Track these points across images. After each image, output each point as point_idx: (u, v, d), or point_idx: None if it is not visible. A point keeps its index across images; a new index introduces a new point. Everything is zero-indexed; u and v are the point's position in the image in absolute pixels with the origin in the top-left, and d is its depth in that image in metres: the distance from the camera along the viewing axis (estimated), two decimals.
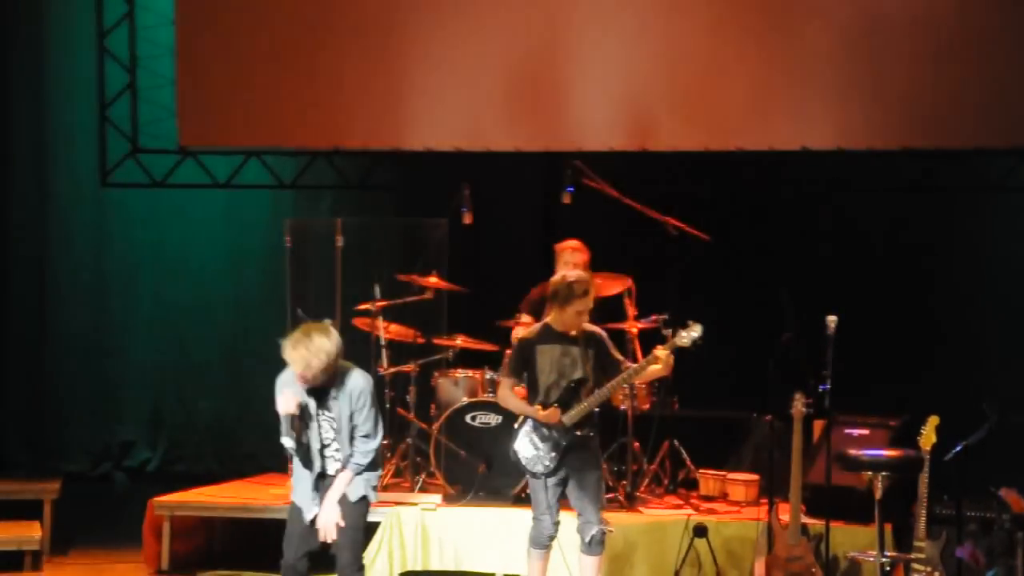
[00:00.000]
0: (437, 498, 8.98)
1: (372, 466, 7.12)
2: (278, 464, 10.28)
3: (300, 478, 7.10)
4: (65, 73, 11.26)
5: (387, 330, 9.67)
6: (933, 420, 7.73)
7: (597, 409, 7.50)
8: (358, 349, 9.79)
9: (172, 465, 11.19)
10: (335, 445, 7.01)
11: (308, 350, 6.78)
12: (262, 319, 10.90)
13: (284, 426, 6.90)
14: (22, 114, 11.29)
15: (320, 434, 7.00)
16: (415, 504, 8.83)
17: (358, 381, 7.01)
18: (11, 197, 11.31)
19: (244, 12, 10.68)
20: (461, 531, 8.66)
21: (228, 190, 11.04)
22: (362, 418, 6.98)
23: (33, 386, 11.21)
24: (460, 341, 9.70)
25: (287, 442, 6.91)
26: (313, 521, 7.02)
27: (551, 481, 7.39)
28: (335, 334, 6.92)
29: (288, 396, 6.88)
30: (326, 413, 6.98)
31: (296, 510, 7.11)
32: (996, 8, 9.75)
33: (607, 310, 9.40)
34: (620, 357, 7.56)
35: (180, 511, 8.98)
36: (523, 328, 9.36)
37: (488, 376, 9.35)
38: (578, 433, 7.36)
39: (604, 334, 7.57)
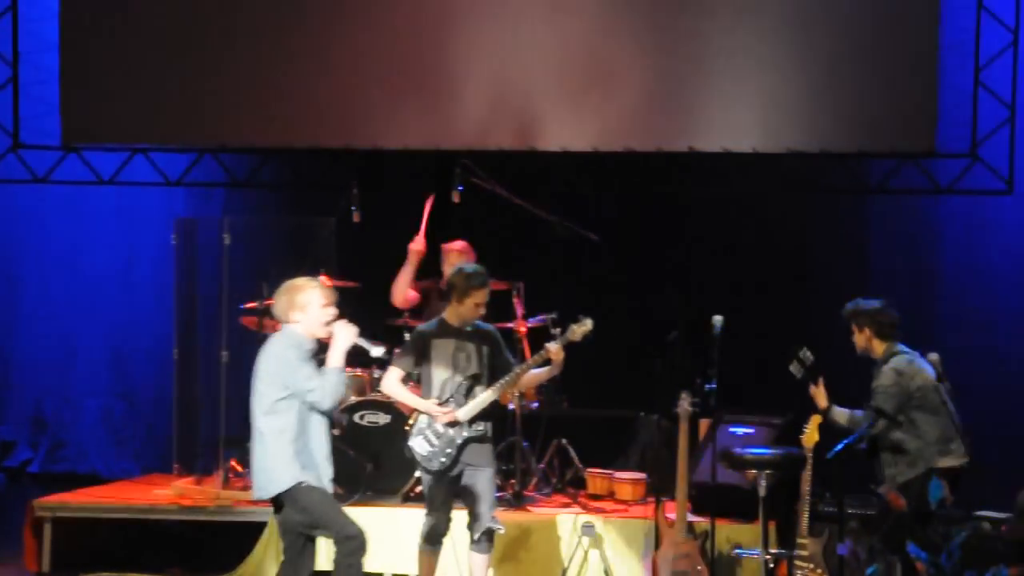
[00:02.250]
0: None
1: None
2: (163, 464, 10.21)
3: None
4: None
5: (274, 329, 9.58)
6: (816, 419, 7.84)
7: (489, 408, 7.51)
8: (246, 348, 9.76)
9: (55, 465, 11.00)
10: None
11: None
12: (150, 316, 10.81)
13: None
14: None
15: None
16: None
17: None
18: None
19: (130, 7, 10.54)
20: None
21: (119, 187, 10.88)
22: None
23: None
24: None
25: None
26: None
27: (445, 478, 7.39)
28: None
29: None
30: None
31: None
32: (878, 21, 9.93)
33: (496, 309, 9.42)
34: (511, 359, 7.59)
35: (62, 512, 8.83)
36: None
37: (376, 375, 9.31)
38: (473, 428, 7.37)
39: (497, 333, 7.60)
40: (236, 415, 9.73)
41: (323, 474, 6.82)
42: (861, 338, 8.04)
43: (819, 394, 7.97)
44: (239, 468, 9.58)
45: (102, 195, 10.96)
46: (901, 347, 7.95)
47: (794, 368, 7.94)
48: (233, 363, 9.72)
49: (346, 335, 6.84)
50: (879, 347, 7.97)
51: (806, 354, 7.94)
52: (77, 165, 10.73)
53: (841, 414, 7.93)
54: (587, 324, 7.45)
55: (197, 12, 10.47)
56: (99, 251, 11.10)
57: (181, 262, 10.23)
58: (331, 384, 6.73)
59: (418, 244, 9.45)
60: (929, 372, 7.79)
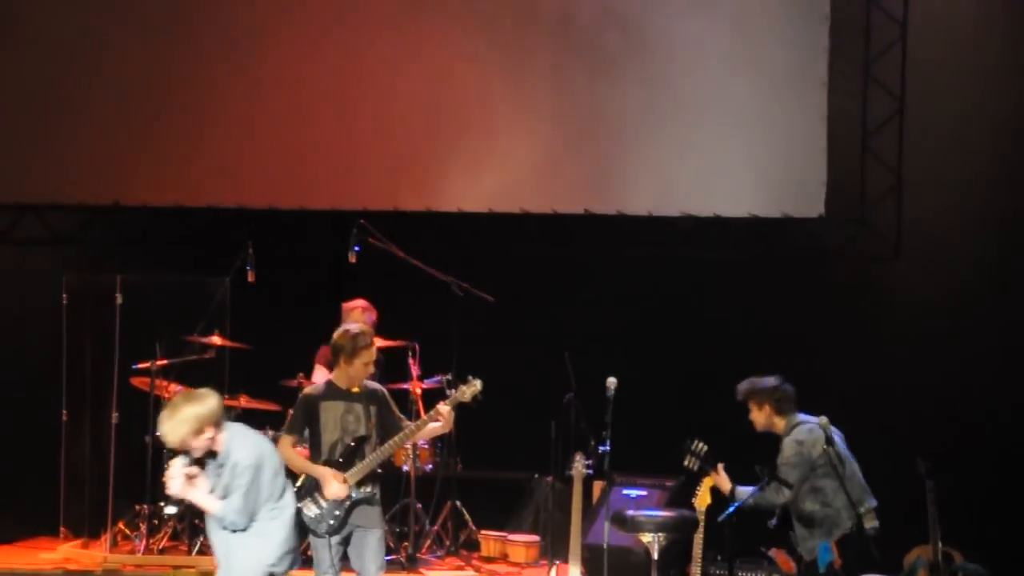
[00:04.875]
0: (215, 560, 8.82)
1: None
2: (50, 528, 10.01)
3: None
4: None
5: (167, 390, 9.52)
6: (708, 481, 7.90)
7: (380, 468, 7.48)
8: (137, 409, 9.64)
9: None
10: None
11: (172, 421, 6.56)
12: (40, 376, 10.60)
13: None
14: None
15: None
16: (192, 567, 8.67)
17: (237, 452, 6.67)
18: None
19: (21, 65, 10.46)
20: None
21: (9, 245, 10.72)
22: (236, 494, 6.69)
23: None
24: (242, 400, 9.60)
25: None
26: None
27: (334, 540, 7.33)
28: (204, 400, 6.65)
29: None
30: (215, 482, 6.70)
31: None
32: (769, 87, 10.11)
33: (391, 369, 9.42)
34: (401, 416, 7.58)
35: None
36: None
37: (270, 435, 9.23)
38: (362, 490, 7.33)
39: (386, 392, 7.58)
40: (125, 477, 9.62)
41: None
42: (761, 416, 8.05)
43: (720, 480, 7.96)
44: (128, 531, 9.44)
45: None
46: (801, 416, 7.99)
47: (689, 462, 7.94)
48: (123, 424, 9.59)
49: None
50: (780, 422, 8.00)
51: (698, 446, 7.96)
52: None
53: (744, 493, 7.92)
54: (476, 385, 7.50)
55: (89, 70, 10.42)
56: None
57: (71, 321, 10.08)
58: None
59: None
60: (834, 439, 7.83)
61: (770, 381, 8.05)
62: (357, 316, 9.19)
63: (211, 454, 6.67)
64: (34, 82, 10.44)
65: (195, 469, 6.64)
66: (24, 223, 10.64)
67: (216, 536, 6.82)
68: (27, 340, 10.87)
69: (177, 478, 6.59)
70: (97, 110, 10.39)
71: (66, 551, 9.30)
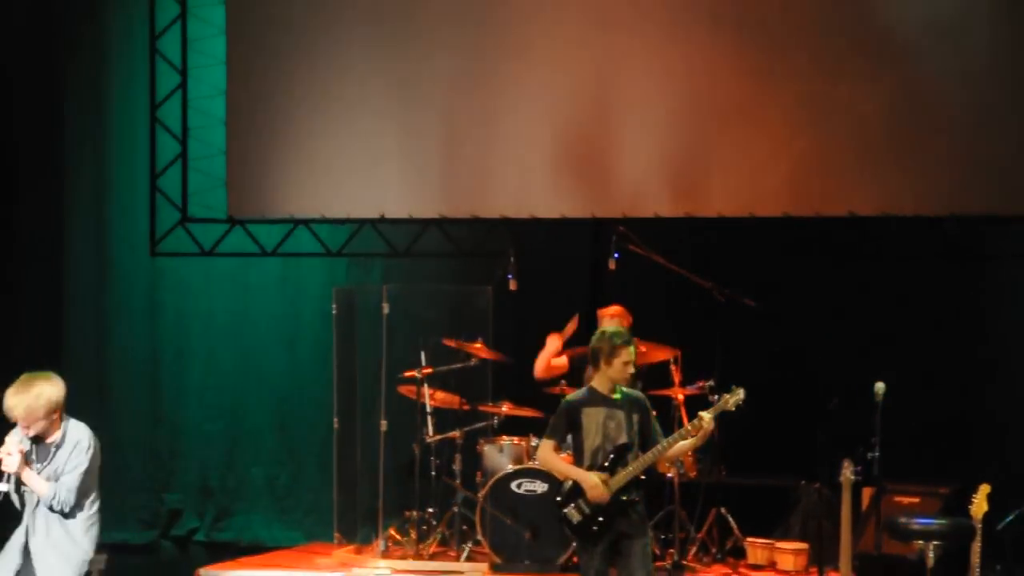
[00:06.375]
0: (484, 567, 8.95)
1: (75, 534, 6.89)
2: (326, 533, 10.30)
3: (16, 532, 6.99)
4: (123, 145, 11.39)
5: (432, 397, 9.69)
6: (984, 488, 7.62)
7: (643, 476, 7.44)
8: (403, 416, 9.86)
9: (220, 534, 11.13)
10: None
11: (28, 395, 6.74)
12: (313, 385, 10.94)
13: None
14: (81, 186, 11.43)
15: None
16: (461, 573, 8.80)
17: (77, 434, 6.88)
18: (70, 267, 11.42)
19: (292, 84, 10.79)
20: None
21: (282, 258, 11.10)
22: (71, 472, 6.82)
23: None
24: (505, 408, 9.70)
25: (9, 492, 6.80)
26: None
27: (599, 547, 7.34)
28: (59, 382, 6.84)
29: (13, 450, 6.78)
30: (42, 465, 6.84)
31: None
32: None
33: (653, 376, 9.40)
34: (659, 429, 7.50)
35: None
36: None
37: (534, 443, 9.33)
38: (624, 498, 7.31)
39: (648, 402, 7.54)
40: (395, 484, 9.84)
41: None
42: None
43: None
44: (398, 537, 9.64)
45: (264, 266, 11.18)
46: None
47: None
48: (392, 431, 9.81)
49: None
50: None
51: None
52: (242, 237, 10.98)
53: None
54: (739, 394, 7.39)
55: (356, 89, 10.67)
56: (263, 321, 11.28)
57: (341, 331, 10.37)
58: None
59: (556, 341, 9.60)
60: None
61: None
62: (609, 323, 9.20)
63: (37, 438, 6.80)
64: (303, 99, 10.74)
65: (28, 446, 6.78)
66: (296, 237, 10.98)
67: (33, 538, 6.84)
68: (299, 350, 11.23)
69: (15, 454, 6.72)
70: (364, 126, 10.64)
71: (341, 556, 9.54)
